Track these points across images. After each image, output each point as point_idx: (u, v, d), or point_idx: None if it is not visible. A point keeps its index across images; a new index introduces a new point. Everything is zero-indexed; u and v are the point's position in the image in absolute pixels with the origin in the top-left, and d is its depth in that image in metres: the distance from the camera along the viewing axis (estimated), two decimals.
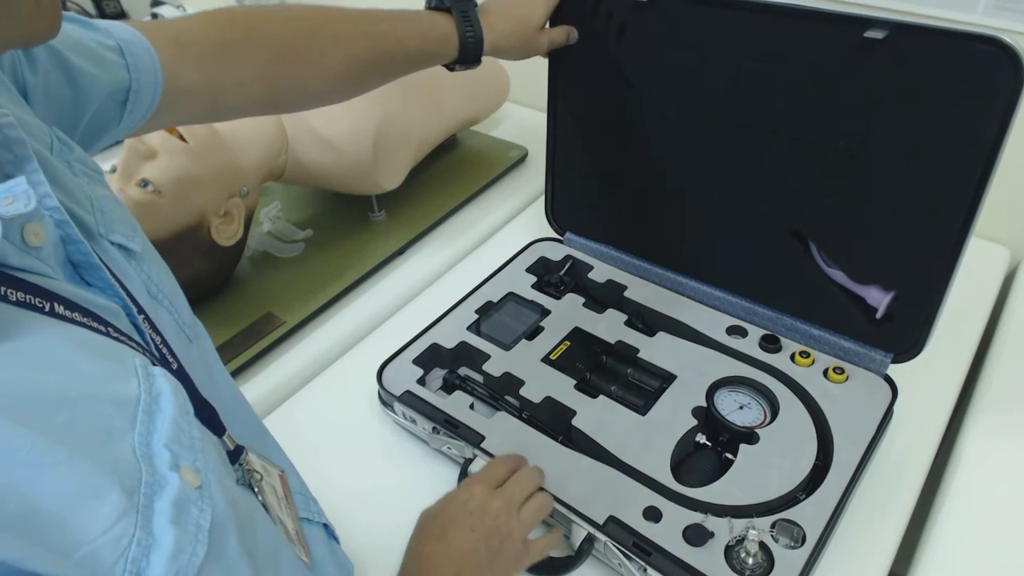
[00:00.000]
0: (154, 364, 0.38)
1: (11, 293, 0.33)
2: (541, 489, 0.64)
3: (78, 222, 0.40)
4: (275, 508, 0.46)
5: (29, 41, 0.38)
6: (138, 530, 0.31)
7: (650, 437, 0.69)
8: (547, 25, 0.79)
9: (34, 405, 0.30)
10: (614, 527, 0.62)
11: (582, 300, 0.86)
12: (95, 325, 0.37)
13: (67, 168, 0.44)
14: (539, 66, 0.85)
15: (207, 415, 0.43)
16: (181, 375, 0.43)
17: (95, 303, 0.38)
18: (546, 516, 0.63)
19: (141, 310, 0.43)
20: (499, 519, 0.58)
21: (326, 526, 0.59)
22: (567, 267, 0.92)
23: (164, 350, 0.43)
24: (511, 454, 0.66)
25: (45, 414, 0.31)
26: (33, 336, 0.33)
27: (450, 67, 0.75)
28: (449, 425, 0.72)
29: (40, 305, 0.34)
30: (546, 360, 0.78)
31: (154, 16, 1.52)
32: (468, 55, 0.72)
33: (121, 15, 1.84)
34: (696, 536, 0.61)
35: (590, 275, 0.90)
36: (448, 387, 0.78)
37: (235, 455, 0.45)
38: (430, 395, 0.76)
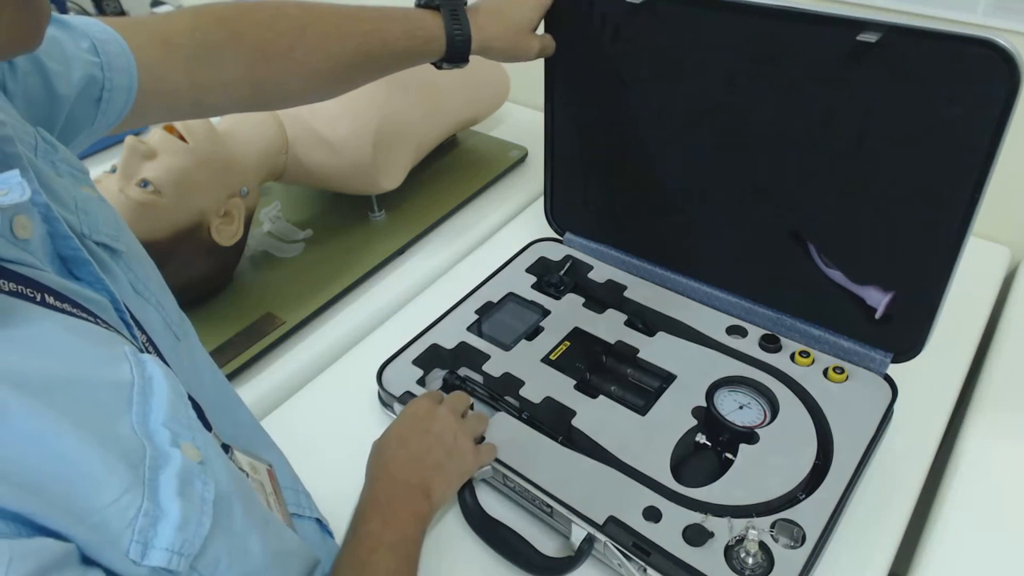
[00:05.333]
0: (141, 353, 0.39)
1: (4, 284, 0.34)
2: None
3: (63, 221, 0.41)
4: (264, 504, 0.47)
5: (5, 53, 0.35)
6: (145, 501, 0.32)
7: (650, 437, 0.69)
8: (541, 28, 0.78)
9: (34, 388, 0.31)
10: (614, 527, 0.62)
11: (582, 300, 0.86)
12: (84, 316, 0.38)
13: (52, 169, 0.44)
14: (539, 66, 0.85)
15: (195, 413, 0.43)
16: None
17: (83, 295, 0.39)
18: (483, 430, 0.69)
19: (126, 308, 0.43)
20: (448, 421, 0.64)
21: (319, 521, 0.60)
22: (567, 267, 0.92)
23: (149, 348, 0.44)
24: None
25: (45, 396, 0.31)
26: (28, 324, 0.34)
27: (438, 65, 0.74)
28: None
29: (32, 295, 0.35)
30: (546, 360, 0.78)
31: None
32: (455, 54, 0.72)
33: (121, 15, 1.84)
34: (696, 536, 0.61)
35: (590, 275, 0.90)
36: (448, 387, 0.78)
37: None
38: None
